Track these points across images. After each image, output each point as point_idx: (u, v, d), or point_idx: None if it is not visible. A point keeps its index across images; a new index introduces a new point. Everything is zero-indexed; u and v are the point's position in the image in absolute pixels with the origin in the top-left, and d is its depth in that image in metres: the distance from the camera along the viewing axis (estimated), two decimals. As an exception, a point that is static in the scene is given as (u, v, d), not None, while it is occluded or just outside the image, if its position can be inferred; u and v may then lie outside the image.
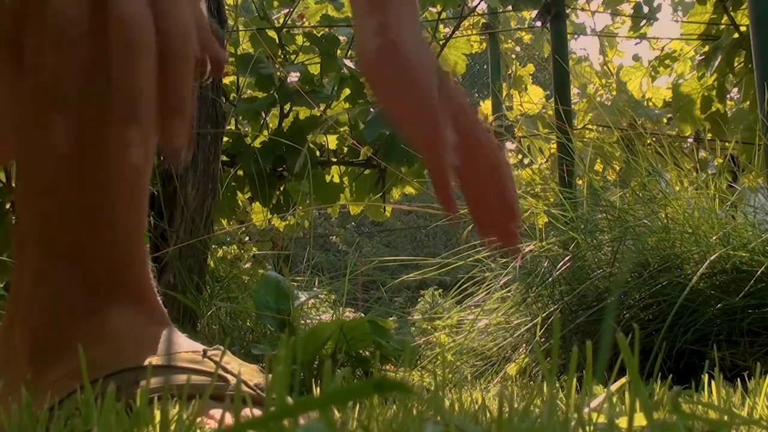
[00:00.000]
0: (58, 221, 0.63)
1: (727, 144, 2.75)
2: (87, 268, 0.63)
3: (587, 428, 0.35)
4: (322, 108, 2.40)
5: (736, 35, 2.95)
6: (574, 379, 0.36)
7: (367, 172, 2.58)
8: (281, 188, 2.40)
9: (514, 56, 4.61)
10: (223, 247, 2.32)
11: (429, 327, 2.02)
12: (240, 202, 2.47)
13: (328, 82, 2.44)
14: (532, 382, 1.36)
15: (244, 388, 0.57)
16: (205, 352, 0.61)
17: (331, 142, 2.57)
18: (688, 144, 3.16)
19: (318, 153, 2.57)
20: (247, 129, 2.40)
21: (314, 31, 2.58)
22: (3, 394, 0.61)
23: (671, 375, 1.27)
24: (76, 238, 0.63)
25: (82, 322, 0.62)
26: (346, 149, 2.56)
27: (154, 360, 0.58)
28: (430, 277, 1.96)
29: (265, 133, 2.36)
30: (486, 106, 3.74)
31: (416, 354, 1.64)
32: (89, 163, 0.61)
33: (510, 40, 4.54)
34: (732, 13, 2.98)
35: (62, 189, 0.62)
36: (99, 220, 0.63)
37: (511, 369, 1.55)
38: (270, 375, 0.35)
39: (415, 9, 0.65)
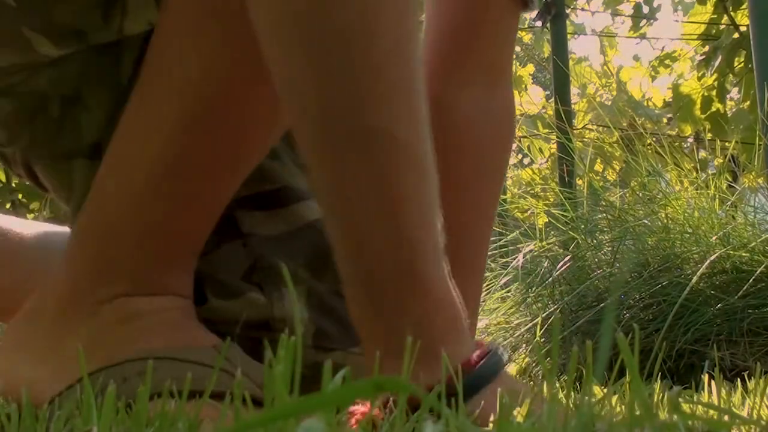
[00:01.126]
0: (128, 202, 0.64)
1: (727, 144, 2.75)
2: (132, 251, 0.64)
3: (587, 428, 0.35)
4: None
5: (736, 35, 2.95)
6: (574, 379, 0.36)
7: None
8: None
9: (514, 56, 4.61)
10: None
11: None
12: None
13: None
14: (532, 382, 1.36)
15: (251, 386, 0.57)
16: (215, 347, 0.61)
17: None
18: (688, 144, 3.16)
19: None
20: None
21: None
22: (21, 355, 0.62)
23: (671, 375, 1.27)
24: (138, 221, 0.64)
25: (105, 303, 0.64)
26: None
27: (159, 352, 0.59)
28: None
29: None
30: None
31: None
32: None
33: (510, 40, 4.53)
34: (732, 13, 2.98)
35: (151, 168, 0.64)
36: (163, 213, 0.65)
37: (512, 369, 1.55)
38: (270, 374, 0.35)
39: None
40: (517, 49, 4.76)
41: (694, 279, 1.30)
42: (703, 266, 1.32)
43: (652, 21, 3.95)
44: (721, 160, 2.59)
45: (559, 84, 2.96)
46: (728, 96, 3.25)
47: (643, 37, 4.06)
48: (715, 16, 3.09)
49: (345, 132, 0.56)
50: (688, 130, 3.14)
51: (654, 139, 2.49)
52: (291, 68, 0.56)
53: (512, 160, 4.22)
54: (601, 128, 3.44)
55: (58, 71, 0.69)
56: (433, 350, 0.57)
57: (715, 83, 3.07)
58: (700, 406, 0.57)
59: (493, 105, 0.88)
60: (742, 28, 2.90)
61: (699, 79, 3.15)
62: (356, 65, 0.55)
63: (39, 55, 0.68)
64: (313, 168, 0.59)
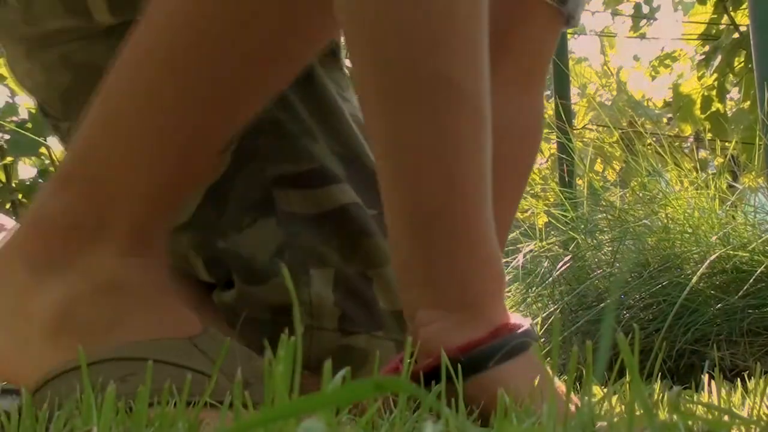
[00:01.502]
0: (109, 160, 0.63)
1: (727, 144, 2.75)
2: (117, 198, 0.62)
3: (587, 428, 0.35)
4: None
5: (736, 35, 2.95)
6: (574, 379, 0.36)
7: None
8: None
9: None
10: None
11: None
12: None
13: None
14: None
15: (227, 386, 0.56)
16: (190, 338, 0.60)
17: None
18: (688, 144, 3.16)
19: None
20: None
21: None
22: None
23: (671, 375, 1.27)
24: (127, 165, 0.62)
25: (79, 260, 0.61)
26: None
27: (136, 351, 0.58)
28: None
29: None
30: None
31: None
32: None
33: (510, 40, 4.53)
34: (732, 13, 2.98)
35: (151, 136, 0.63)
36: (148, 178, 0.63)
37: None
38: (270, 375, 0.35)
39: None
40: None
41: (694, 279, 1.30)
42: (703, 266, 1.32)
43: (652, 21, 3.95)
44: (721, 160, 2.59)
45: (559, 84, 2.96)
46: (728, 96, 3.25)
47: (643, 37, 4.06)
48: (715, 16, 3.09)
49: (412, 77, 0.57)
50: (688, 130, 3.15)
51: (654, 139, 2.49)
52: (364, 10, 0.57)
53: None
54: (601, 128, 3.44)
55: (113, 43, 0.68)
56: (475, 306, 0.58)
57: (715, 83, 3.07)
58: (700, 406, 0.57)
59: (520, 109, 0.87)
60: (742, 28, 2.90)
61: (699, 79, 3.14)
62: (433, 11, 0.56)
63: (93, 21, 0.69)
64: (371, 111, 0.59)
